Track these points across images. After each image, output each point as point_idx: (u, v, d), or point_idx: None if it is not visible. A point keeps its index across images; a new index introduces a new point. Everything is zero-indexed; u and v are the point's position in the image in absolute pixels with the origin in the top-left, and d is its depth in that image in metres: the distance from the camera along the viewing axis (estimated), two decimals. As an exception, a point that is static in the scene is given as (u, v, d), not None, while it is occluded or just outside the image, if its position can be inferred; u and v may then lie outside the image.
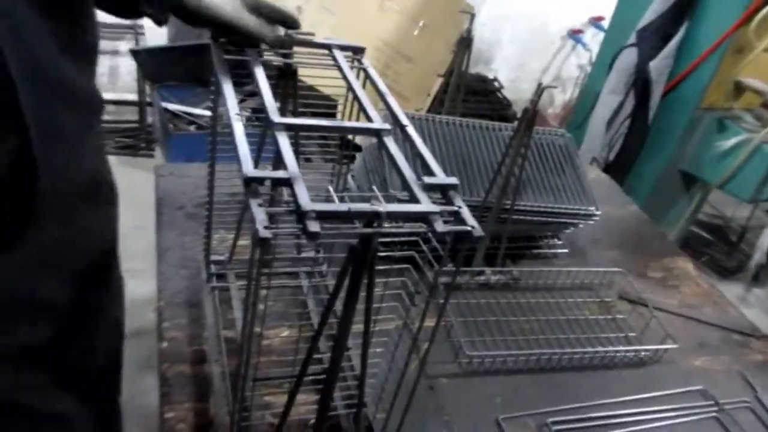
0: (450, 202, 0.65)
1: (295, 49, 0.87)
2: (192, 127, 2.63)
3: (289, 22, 0.86)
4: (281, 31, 0.86)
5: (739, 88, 2.12)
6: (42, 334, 0.71)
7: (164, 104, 2.66)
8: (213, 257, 1.13)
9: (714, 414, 1.14)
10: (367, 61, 0.91)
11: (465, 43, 1.65)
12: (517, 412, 1.06)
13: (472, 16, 1.58)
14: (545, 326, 1.24)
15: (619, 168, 2.34)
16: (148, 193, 1.40)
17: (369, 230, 0.58)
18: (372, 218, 0.57)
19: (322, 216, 0.56)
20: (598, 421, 1.07)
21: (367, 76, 0.88)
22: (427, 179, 0.65)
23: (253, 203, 0.56)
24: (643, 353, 1.22)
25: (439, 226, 0.60)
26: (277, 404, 0.96)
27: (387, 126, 0.73)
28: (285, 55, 0.87)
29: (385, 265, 0.87)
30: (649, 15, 2.19)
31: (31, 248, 0.62)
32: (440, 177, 0.67)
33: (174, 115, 2.63)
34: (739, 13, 1.96)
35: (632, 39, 2.23)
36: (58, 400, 0.80)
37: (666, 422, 1.10)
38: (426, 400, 1.07)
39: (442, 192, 0.67)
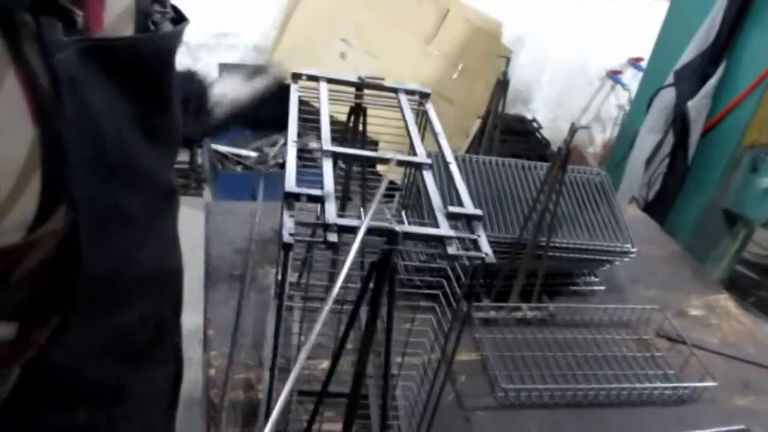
0: (472, 231, 0.70)
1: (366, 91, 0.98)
2: (239, 168, 2.75)
3: None
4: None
5: (781, 127, 2.11)
6: (100, 415, 0.68)
7: (214, 146, 2.79)
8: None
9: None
10: (429, 104, 0.99)
11: (502, 85, 1.71)
12: (554, 446, 1.07)
13: (508, 60, 1.64)
14: (582, 362, 1.24)
15: (659, 207, 2.33)
16: (197, 229, 1.47)
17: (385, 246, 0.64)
18: (389, 235, 0.63)
19: (342, 229, 0.62)
20: None
21: (427, 119, 0.96)
22: (452, 208, 0.71)
23: (286, 214, 0.64)
24: (681, 391, 1.21)
25: (452, 250, 0.65)
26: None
27: (428, 161, 0.79)
28: (357, 96, 0.97)
29: (420, 298, 0.92)
30: (687, 55, 2.22)
31: (89, 332, 0.59)
32: (466, 207, 0.72)
33: (223, 156, 2.76)
34: (777, 53, 1.98)
35: (670, 79, 2.25)
36: None
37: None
38: (462, 431, 1.09)
39: (468, 222, 0.72)
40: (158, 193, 0.66)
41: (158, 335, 0.77)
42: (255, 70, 0.96)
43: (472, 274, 0.73)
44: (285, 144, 2.82)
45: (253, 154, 2.80)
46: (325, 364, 1.15)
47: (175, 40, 0.62)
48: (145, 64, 0.56)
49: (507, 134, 3.05)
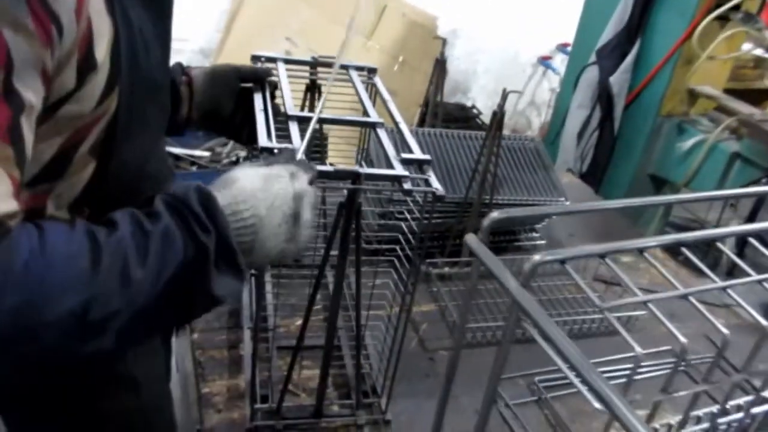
0: (423, 173, 0.83)
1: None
2: (194, 168, 2.81)
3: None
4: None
5: (693, 95, 2.32)
6: None
7: (168, 148, 2.83)
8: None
9: (683, 368, 1.29)
10: (377, 78, 1.12)
11: (440, 65, 1.84)
12: (509, 375, 1.21)
13: (444, 41, 1.77)
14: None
15: (593, 177, 2.52)
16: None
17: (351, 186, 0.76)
18: (354, 177, 0.76)
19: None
20: (576, 378, 1.22)
21: (377, 90, 1.08)
22: (405, 155, 0.83)
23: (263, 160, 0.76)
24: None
25: (407, 185, 0.77)
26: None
27: (381, 120, 0.92)
28: (311, 74, 1.10)
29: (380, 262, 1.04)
30: (606, 35, 2.41)
31: None
32: (416, 154, 0.85)
33: (177, 157, 2.81)
34: (684, 28, 2.18)
35: (593, 58, 2.44)
36: None
37: (640, 377, 1.24)
38: (427, 369, 1.22)
39: (419, 167, 0.85)
40: (163, 108, 0.76)
41: None
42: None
43: (426, 209, 0.86)
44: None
45: (206, 154, 2.86)
46: (299, 321, 1.26)
47: None
48: None
49: (449, 122, 3.21)
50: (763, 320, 0.59)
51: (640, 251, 0.67)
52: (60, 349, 0.52)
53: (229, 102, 0.93)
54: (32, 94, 0.51)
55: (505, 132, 1.62)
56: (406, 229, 1.22)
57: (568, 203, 1.49)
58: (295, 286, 1.37)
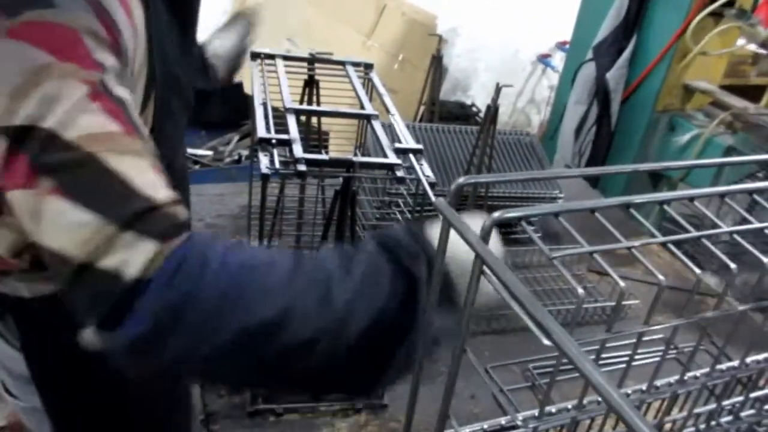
0: (417, 162, 0.87)
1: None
2: (197, 166, 2.85)
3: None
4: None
5: (689, 91, 2.36)
6: None
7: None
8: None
9: (673, 356, 1.32)
10: (373, 73, 1.16)
11: (437, 60, 1.87)
12: (504, 362, 1.24)
13: (440, 38, 1.81)
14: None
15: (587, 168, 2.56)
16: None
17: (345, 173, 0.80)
18: (348, 165, 0.79)
19: (310, 163, 0.78)
20: (569, 364, 1.26)
21: (372, 84, 1.12)
22: (398, 144, 0.87)
23: (261, 155, 0.79)
24: (609, 310, 1.41)
25: (400, 173, 0.81)
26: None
27: (376, 113, 0.96)
28: (310, 69, 1.13)
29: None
30: (603, 32, 2.45)
31: None
32: (408, 144, 0.88)
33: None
34: (679, 24, 2.21)
35: (590, 54, 2.48)
36: None
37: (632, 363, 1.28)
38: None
39: (414, 156, 0.89)
40: (187, 105, 0.78)
41: None
42: (232, 19, 1.12)
43: (418, 200, 0.89)
44: (240, 140, 2.95)
45: (209, 153, 2.90)
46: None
47: None
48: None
49: (449, 120, 3.24)
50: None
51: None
52: (237, 371, 0.48)
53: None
54: (123, 91, 0.52)
55: (506, 129, 1.66)
56: (402, 221, 1.25)
57: (562, 196, 1.52)
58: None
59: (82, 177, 0.46)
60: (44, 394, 0.73)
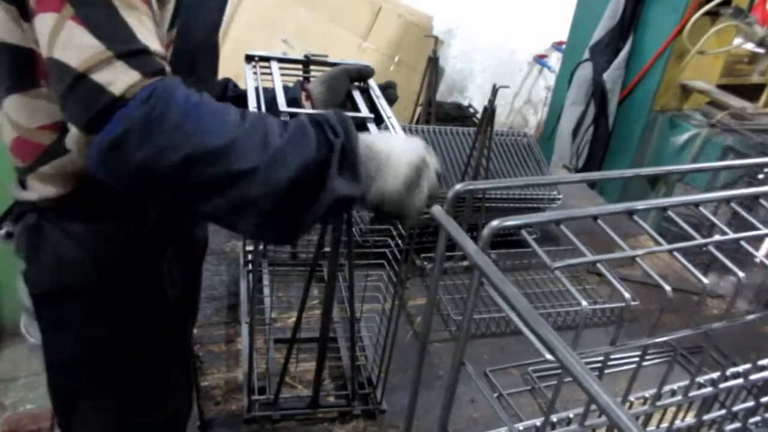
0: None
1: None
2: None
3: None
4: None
5: (686, 90, 2.35)
6: None
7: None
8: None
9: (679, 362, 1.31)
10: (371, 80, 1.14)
11: (433, 62, 1.86)
12: (503, 365, 1.23)
13: (436, 39, 1.80)
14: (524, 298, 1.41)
15: (588, 173, 2.55)
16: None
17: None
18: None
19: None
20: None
21: (368, 86, 1.11)
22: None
23: None
24: (609, 312, 1.39)
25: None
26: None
27: (371, 116, 0.94)
28: (305, 72, 1.12)
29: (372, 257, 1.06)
30: (599, 32, 2.44)
31: None
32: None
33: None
34: (675, 23, 2.20)
35: (586, 55, 2.47)
36: None
37: (631, 366, 1.26)
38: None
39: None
40: (210, 66, 0.90)
41: None
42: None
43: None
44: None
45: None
46: (293, 319, 1.28)
47: None
48: None
49: (446, 121, 3.23)
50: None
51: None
52: (190, 186, 0.59)
53: (343, 102, 1.04)
54: None
55: (503, 130, 1.64)
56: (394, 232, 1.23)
57: (560, 197, 1.51)
58: (291, 280, 1.39)
59: (98, 14, 0.59)
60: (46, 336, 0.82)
